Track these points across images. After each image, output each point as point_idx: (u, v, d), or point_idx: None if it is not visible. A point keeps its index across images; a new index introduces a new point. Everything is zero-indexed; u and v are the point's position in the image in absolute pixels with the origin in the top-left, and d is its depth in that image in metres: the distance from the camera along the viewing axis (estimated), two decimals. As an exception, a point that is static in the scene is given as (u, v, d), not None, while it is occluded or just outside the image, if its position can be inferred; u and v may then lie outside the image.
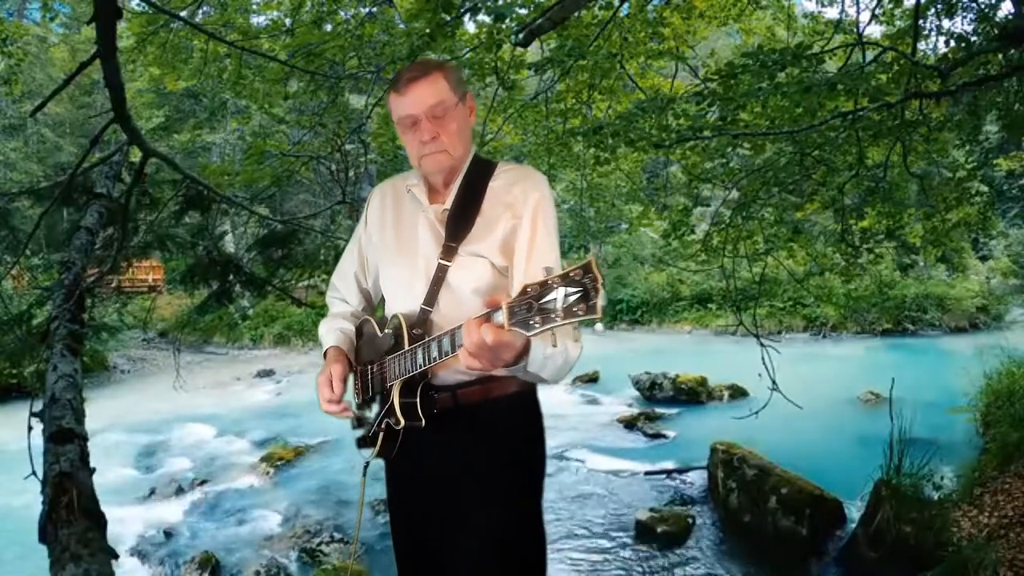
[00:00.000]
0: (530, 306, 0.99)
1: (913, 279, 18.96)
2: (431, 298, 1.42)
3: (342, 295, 1.68)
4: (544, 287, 0.98)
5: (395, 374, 1.41)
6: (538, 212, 1.40)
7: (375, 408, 1.51)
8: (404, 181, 1.56)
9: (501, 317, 1.03)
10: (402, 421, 1.39)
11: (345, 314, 1.65)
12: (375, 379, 1.48)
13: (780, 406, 4.96)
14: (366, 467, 1.54)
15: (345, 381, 1.47)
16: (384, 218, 1.57)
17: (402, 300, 1.48)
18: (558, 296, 0.97)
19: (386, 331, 1.47)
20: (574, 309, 0.95)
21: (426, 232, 1.47)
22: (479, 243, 1.40)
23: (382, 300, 1.62)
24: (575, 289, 0.96)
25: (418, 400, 1.38)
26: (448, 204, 1.45)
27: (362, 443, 1.51)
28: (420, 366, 1.33)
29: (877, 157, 5.84)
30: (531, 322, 0.99)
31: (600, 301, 0.94)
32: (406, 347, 1.38)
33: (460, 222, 1.42)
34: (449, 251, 1.41)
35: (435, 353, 1.28)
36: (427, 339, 1.32)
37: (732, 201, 6.20)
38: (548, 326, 0.98)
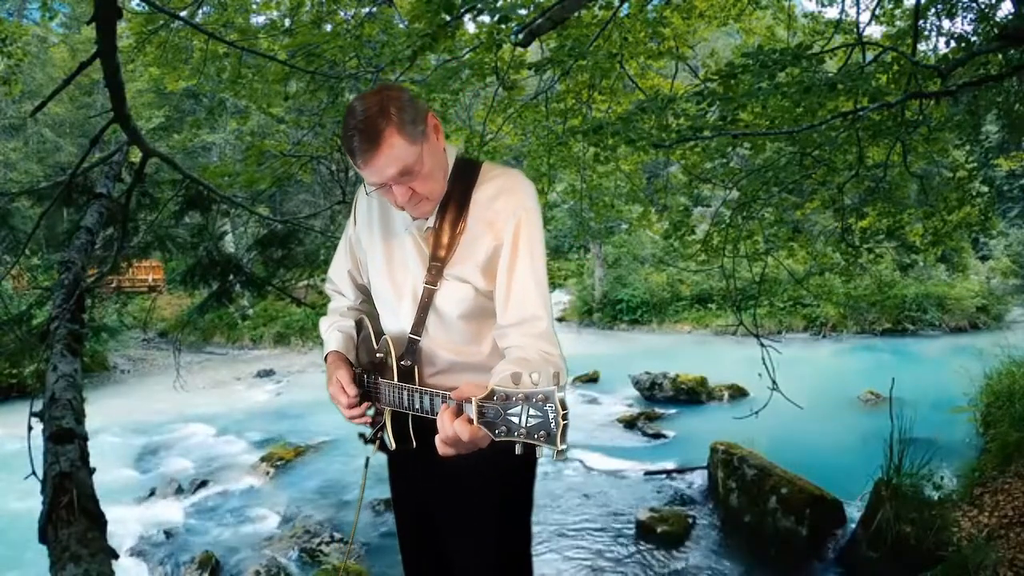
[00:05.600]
0: (498, 412, 0.98)
1: (913, 279, 18.95)
2: (419, 325, 1.40)
3: (339, 289, 1.68)
4: (508, 400, 0.97)
5: (385, 400, 1.43)
6: (519, 233, 1.33)
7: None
8: None
9: (471, 411, 1.02)
10: (393, 444, 1.44)
11: (343, 309, 1.65)
12: (371, 389, 1.50)
13: (780, 406, 4.96)
14: (368, 459, 1.56)
15: (355, 383, 1.48)
16: (371, 221, 1.53)
17: (390, 319, 1.49)
18: (522, 415, 0.95)
19: (378, 353, 1.47)
20: (534, 434, 0.94)
21: (411, 249, 1.43)
22: (462, 266, 1.36)
23: None
24: (536, 413, 0.93)
25: (410, 426, 1.40)
26: (431, 223, 1.40)
27: (363, 439, 1.55)
28: (405, 408, 1.36)
29: (877, 157, 5.84)
30: (497, 429, 0.98)
31: (559, 440, 0.91)
32: (395, 379, 1.40)
33: (444, 242, 1.37)
34: (433, 273, 1.38)
35: (418, 406, 1.31)
36: (414, 387, 1.35)
37: (732, 201, 6.19)
38: (512, 439, 0.97)
